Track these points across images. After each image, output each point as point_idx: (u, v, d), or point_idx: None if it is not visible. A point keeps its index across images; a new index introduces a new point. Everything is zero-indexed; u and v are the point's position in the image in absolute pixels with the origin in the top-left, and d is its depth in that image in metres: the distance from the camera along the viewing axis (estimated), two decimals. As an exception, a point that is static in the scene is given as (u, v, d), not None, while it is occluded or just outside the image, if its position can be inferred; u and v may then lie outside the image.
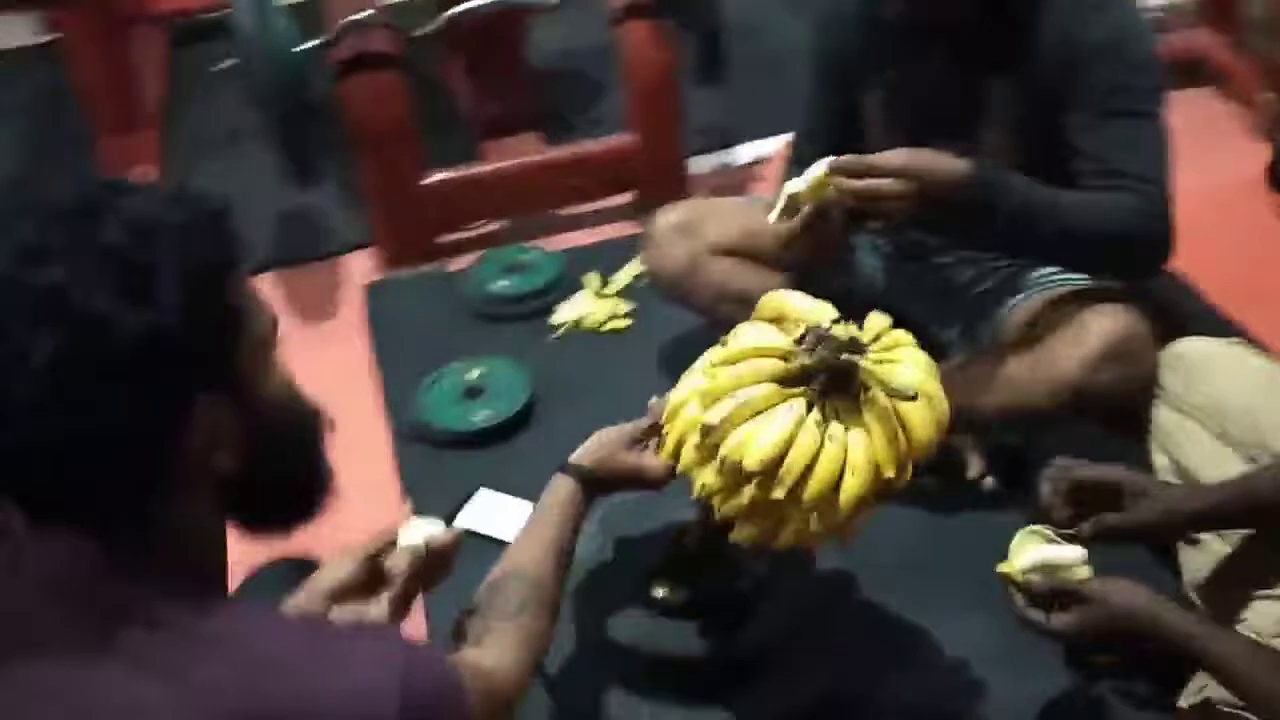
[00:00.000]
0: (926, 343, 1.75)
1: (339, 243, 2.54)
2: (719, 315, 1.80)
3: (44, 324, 0.75)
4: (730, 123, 2.75)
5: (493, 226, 2.53)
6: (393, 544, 1.21)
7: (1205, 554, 1.42)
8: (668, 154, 2.44)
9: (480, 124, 2.63)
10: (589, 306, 2.21)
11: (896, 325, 1.79)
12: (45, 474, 0.78)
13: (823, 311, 1.31)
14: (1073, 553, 1.28)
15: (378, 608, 1.19)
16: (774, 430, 1.22)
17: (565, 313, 2.21)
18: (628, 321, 2.19)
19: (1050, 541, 1.31)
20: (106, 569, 0.80)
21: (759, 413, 1.24)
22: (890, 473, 1.23)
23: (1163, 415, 1.51)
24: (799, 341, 1.26)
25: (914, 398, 1.20)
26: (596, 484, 1.34)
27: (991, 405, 1.65)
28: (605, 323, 2.19)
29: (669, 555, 1.49)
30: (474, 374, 2.03)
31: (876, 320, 1.32)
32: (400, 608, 1.19)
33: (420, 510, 1.83)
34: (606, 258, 2.32)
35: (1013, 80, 1.62)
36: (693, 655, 1.43)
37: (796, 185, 1.53)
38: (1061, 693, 1.48)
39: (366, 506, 1.83)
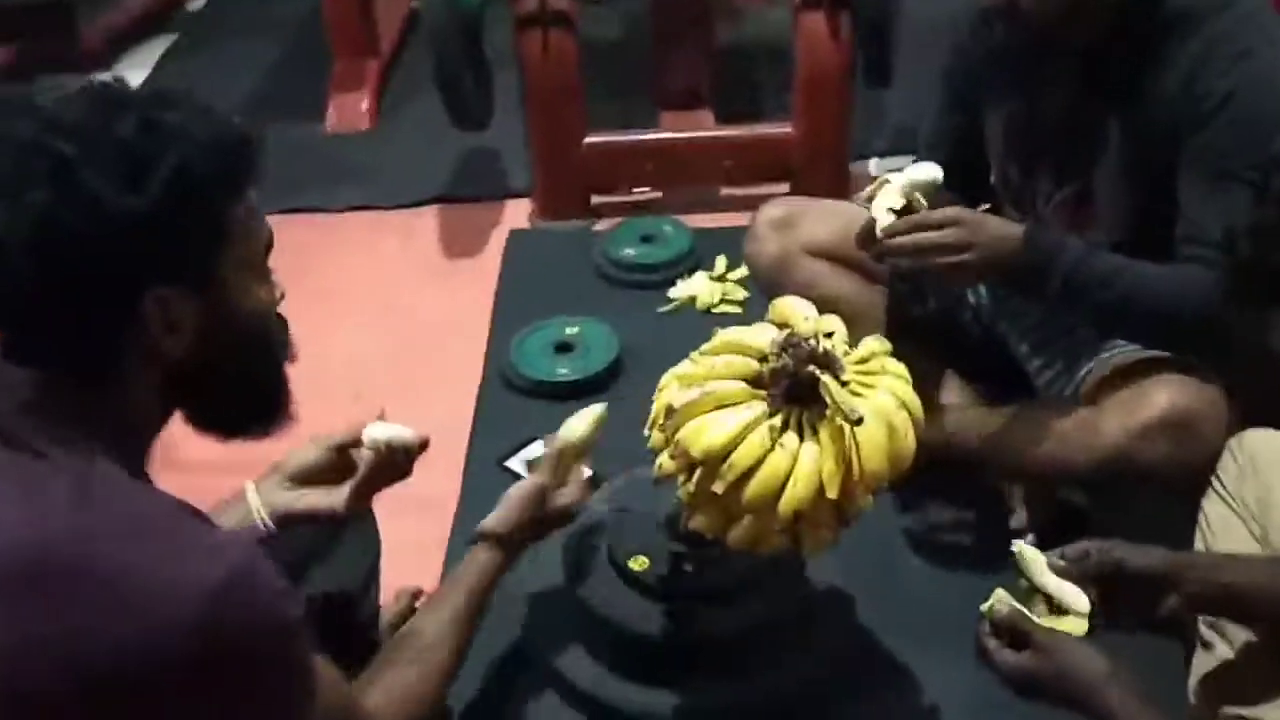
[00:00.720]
0: (1024, 381, 1.73)
1: (506, 188, 2.66)
2: None
3: (47, 184, 0.83)
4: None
5: (651, 194, 2.58)
6: (359, 440, 1.28)
7: (1213, 657, 1.30)
8: (829, 148, 2.40)
9: (660, 94, 2.68)
10: (704, 287, 2.22)
11: (999, 358, 1.79)
12: (21, 307, 0.87)
13: (819, 322, 1.29)
14: (1059, 591, 1.16)
15: (337, 495, 1.27)
16: (726, 425, 1.22)
17: (681, 289, 2.24)
18: (738, 309, 2.19)
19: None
20: (41, 401, 0.88)
21: (723, 406, 1.24)
22: (832, 494, 1.20)
23: (1210, 505, 1.38)
24: (775, 345, 1.24)
25: (858, 422, 1.16)
26: (511, 545, 1.38)
27: (1032, 458, 1.56)
28: (715, 305, 2.20)
29: (658, 536, 1.51)
30: (570, 331, 2.09)
31: (872, 344, 1.29)
32: (356, 500, 1.26)
33: (475, 453, 1.92)
34: (740, 244, 2.32)
35: (1132, 119, 1.50)
36: (647, 631, 1.44)
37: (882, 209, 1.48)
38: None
39: (436, 436, 1.96)
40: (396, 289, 2.38)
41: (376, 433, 1.27)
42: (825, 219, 1.85)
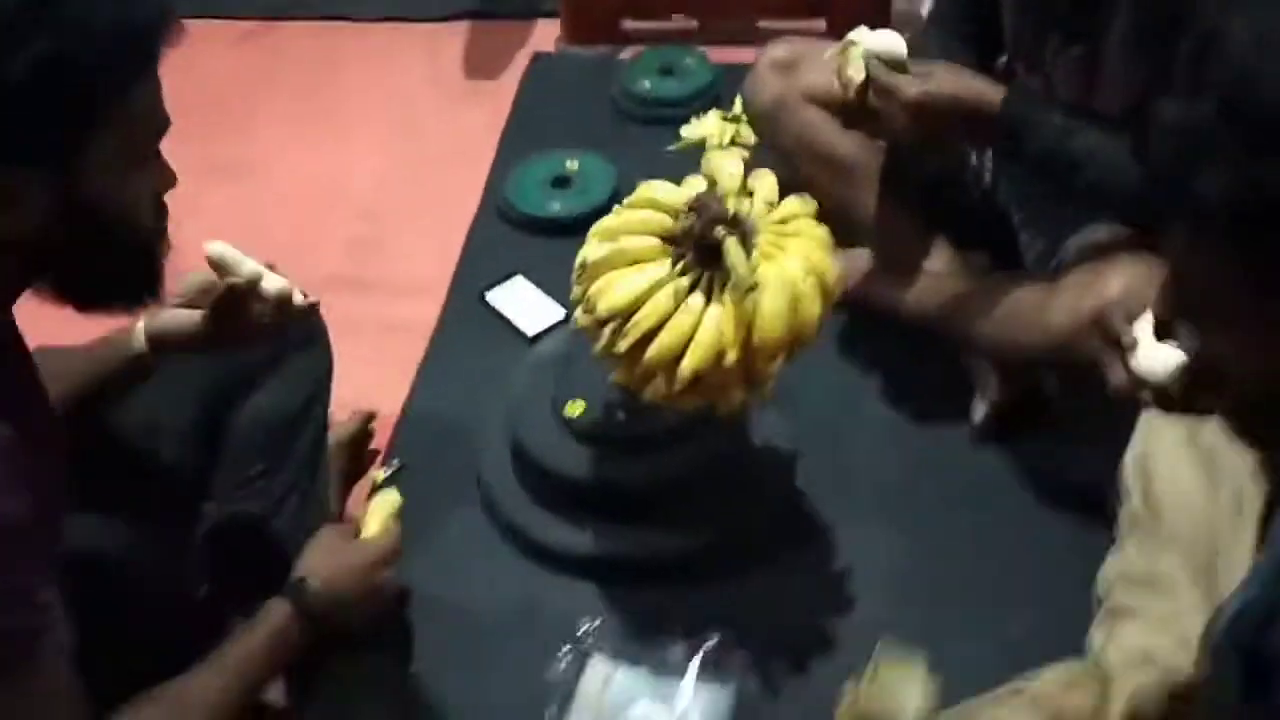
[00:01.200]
0: (1016, 252, 1.66)
1: (538, 7, 2.58)
2: (798, 170, 1.72)
3: None
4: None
5: (686, 23, 2.48)
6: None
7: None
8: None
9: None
10: (715, 127, 2.15)
11: (996, 226, 1.71)
12: None
13: (742, 181, 1.25)
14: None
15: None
16: (632, 284, 1.21)
17: (693, 128, 2.17)
18: (745, 153, 2.11)
19: None
20: None
21: (635, 263, 1.23)
22: (732, 357, 1.18)
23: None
24: (688, 204, 1.21)
25: (750, 290, 1.14)
26: (315, 618, 1.16)
27: (989, 333, 1.50)
28: (724, 146, 2.13)
29: (601, 383, 1.51)
30: (569, 165, 2.06)
31: (792, 204, 1.25)
32: (209, 323, 1.19)
33: (458, 283, 1.93)
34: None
35: None
36: (573, 473, 1.47)
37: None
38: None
39: (425, 263, 1.98)
40: (412, 106, 2.36)
41: (217, 249, 1.16)
42: (827, 64, 1.76)
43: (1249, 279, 0.69)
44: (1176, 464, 1.19)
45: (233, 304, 1.16)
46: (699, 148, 2.15)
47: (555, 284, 1.86)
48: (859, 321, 1.75)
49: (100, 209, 0.92)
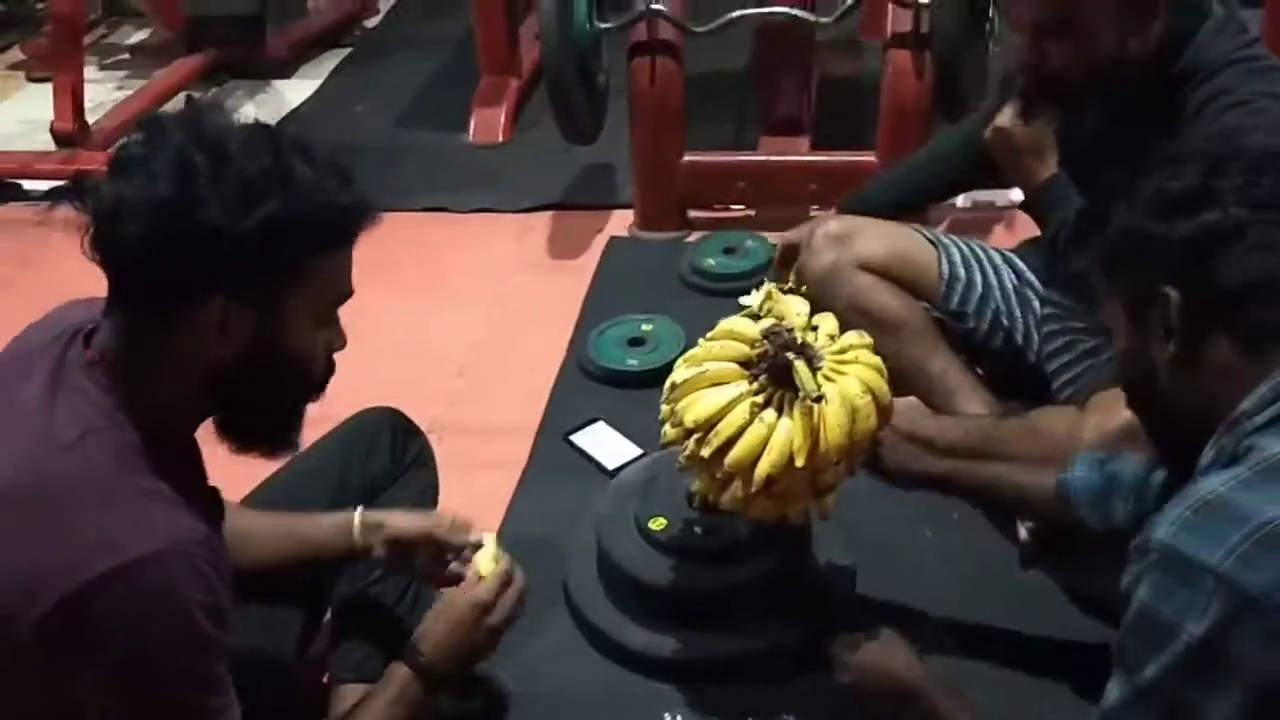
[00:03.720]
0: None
1: (614, 199, 2.91)
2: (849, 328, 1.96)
3: (173, 182, 1.00)
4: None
5: (744, 212, 2.79)
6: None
7: None
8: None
9: (764, 120, 2.89)
10: (771, 296, 2.40)
11: (1034, 381, 1.92)
12: (127, 256, 1.04)
13: (808, 317, 1.48)
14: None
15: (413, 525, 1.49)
16: (714, 399, 1.43)
17: (751, 298, 2.42)
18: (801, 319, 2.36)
19: None
20: (119, 344, 1.08)
21: (716, 384, 1.45)
22: (800, 462, 1.38)
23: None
24: (762, 333, 1.44)
25: (818, 400, 1.35)
26: (435, 675, 1.34)
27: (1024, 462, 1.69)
28: (781, 315, 2.37)
29: (680, 502, 1.71)
30: (644, 328, 2.32)
31: (852, 338, 1.47)
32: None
33: (545, 427, 2.15)
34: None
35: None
36: (657, 582, 1.65)
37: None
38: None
39: (516, 410, 2.21)
40: (504, 282, 2.66)
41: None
42: (880, 236, 2.00)
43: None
44: None
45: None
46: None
47: (632, 428, 2.09)
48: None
49: (286, 353, 1.10)
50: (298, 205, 1.03)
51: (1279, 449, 0.94)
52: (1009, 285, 1.98)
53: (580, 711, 1.63)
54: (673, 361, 2.19)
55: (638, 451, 2.04)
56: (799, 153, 2.76)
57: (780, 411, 1.41)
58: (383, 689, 1.33)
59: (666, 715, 1.58)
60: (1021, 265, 1.98)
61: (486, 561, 1.41)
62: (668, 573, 1.66)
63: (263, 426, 1.18)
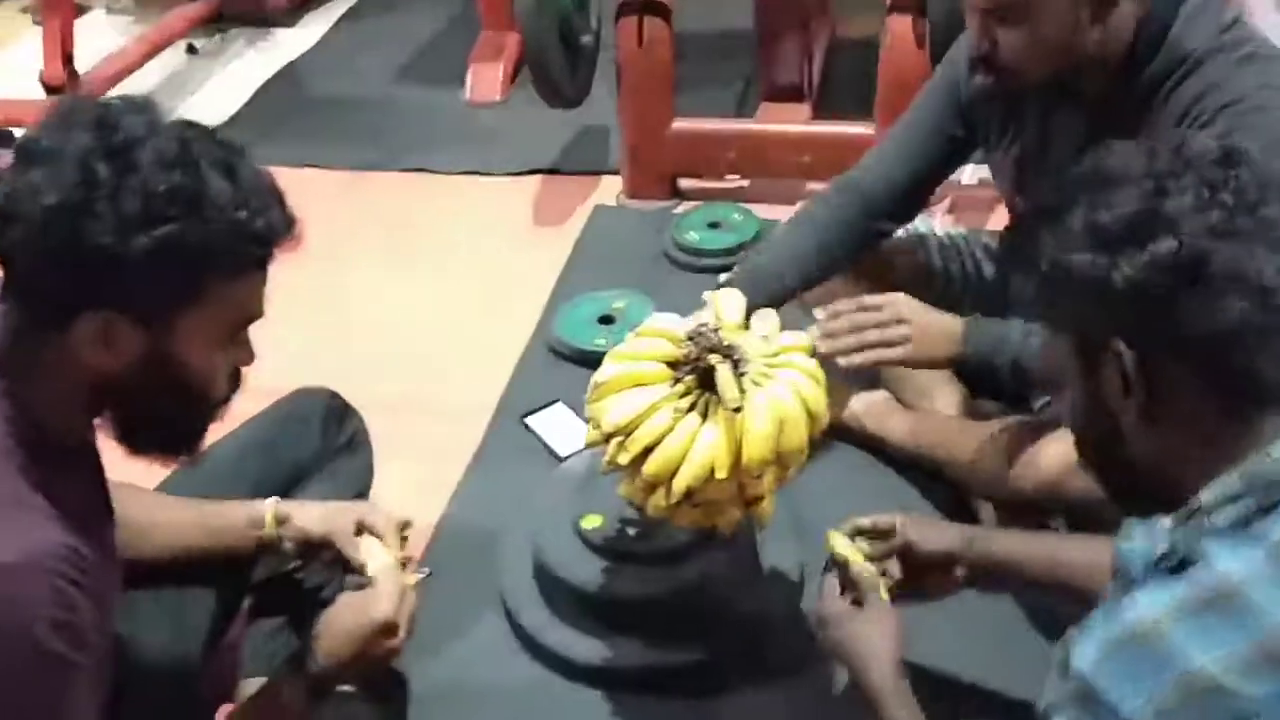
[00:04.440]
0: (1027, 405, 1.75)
1: (607, 165, 2.79)
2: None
3: (71, 189, 0.94)
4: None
5: (738, 182, 2.67)
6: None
7: None
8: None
9: (765, 86, 2.76)
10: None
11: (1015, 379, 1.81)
12: (19, 255, 0.99)
13: (738, 315, 1.38)
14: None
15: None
16: (632, 402, 1.33)
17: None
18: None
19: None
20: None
21: (639, 385, 1.35)
22: (721, 475, 1.29)
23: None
24: (688, 332, 1.34)
25: (736, 411, 1.25)
26: (324, 689, 1.30)
27: (981, 475, 1.59)
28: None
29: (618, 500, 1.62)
30: (615, 305, 2.21)
31: (788, 339, 1.37)
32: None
33: (503, 407, 2.07)
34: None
35: None
36: (585, 584, 1.57)
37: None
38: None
39: (475, 389, 2.13)
40: (483, 250, 2.56)
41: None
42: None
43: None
44: None
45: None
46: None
47: (595, 413, 2.00)
48: (871, 456, 1.85)
49: (180, 371, 1.04)
50: (198, 228, 0.97)
51: (1233, 569, 0.79)
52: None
53: (506, 716, 1.56)
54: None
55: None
56: (798, 121, 2.63)
57: (705, 417, 1.32)
58: (266, 694, 1.29)
59: (591, 727, 1.50)
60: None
61: (382, 566, 1.33)
62: (599, 575, 1.58)
63: (155, 439, 1.12)
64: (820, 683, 1.54)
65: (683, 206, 2.60)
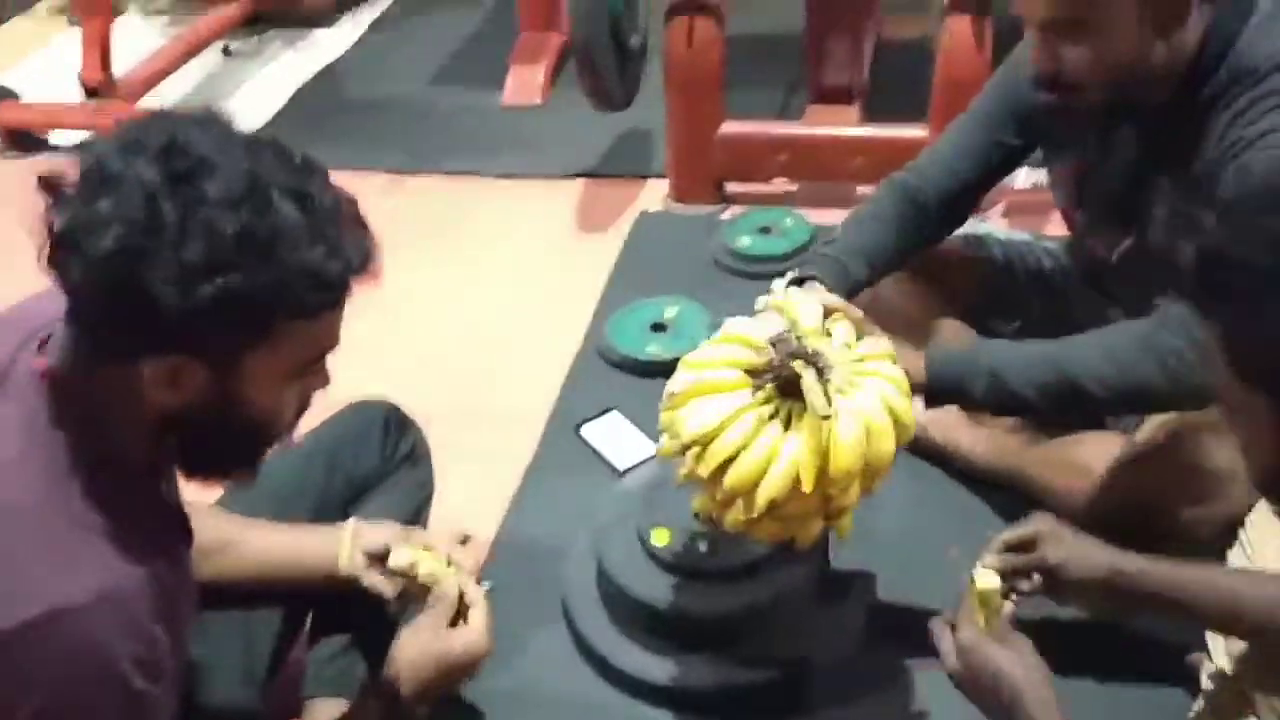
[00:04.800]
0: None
1: (650, 168, 2.75)
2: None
3: (135, 233, 0.88)
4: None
5: (786, 186, 2.62)
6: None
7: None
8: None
9: (813, 88, 2.71)
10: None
11: None
12: (82, 288, 0.93)
13: (819, 320, 1.32)
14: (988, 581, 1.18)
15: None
16: (712, 411, 1.28)
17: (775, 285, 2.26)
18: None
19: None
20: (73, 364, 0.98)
21: (718, 393, 1.30)
22: (807, 486, 1.24)
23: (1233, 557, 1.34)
24: (770, 339, 1.29)
25: (826, 417, 1.20)
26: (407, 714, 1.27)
27: (1059, 491, 1.55)
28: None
29: (684, 514, 1.57)
30: (668, 312, 2.17)
31: (870, 345, 1.32)
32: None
33: (556, 417, 2.03)
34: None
35: (1181, 175, 1.43)
36: (656, 602, 1.52)
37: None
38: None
39: (526, 396, 2.09)
40: (527, 255, 2.53)
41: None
42: None
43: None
44: None
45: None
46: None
47: (649, 421, 1.95)
48: (940, 468, 1.80)
49: (247, 409, 0.99)
50: (267, 273, 0.90)
51: None
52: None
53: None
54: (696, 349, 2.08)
55: (652, 448, 1.90)
56: (847, 124, 2.58)
57: (787, 427, 1.27)
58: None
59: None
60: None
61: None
62: (668, 591, 1.53)
63: (214, 466, 1.08)
64: (896, 700, 1.50)
65: (730, 211, 2.55)
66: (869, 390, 1.26)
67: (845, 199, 2.54)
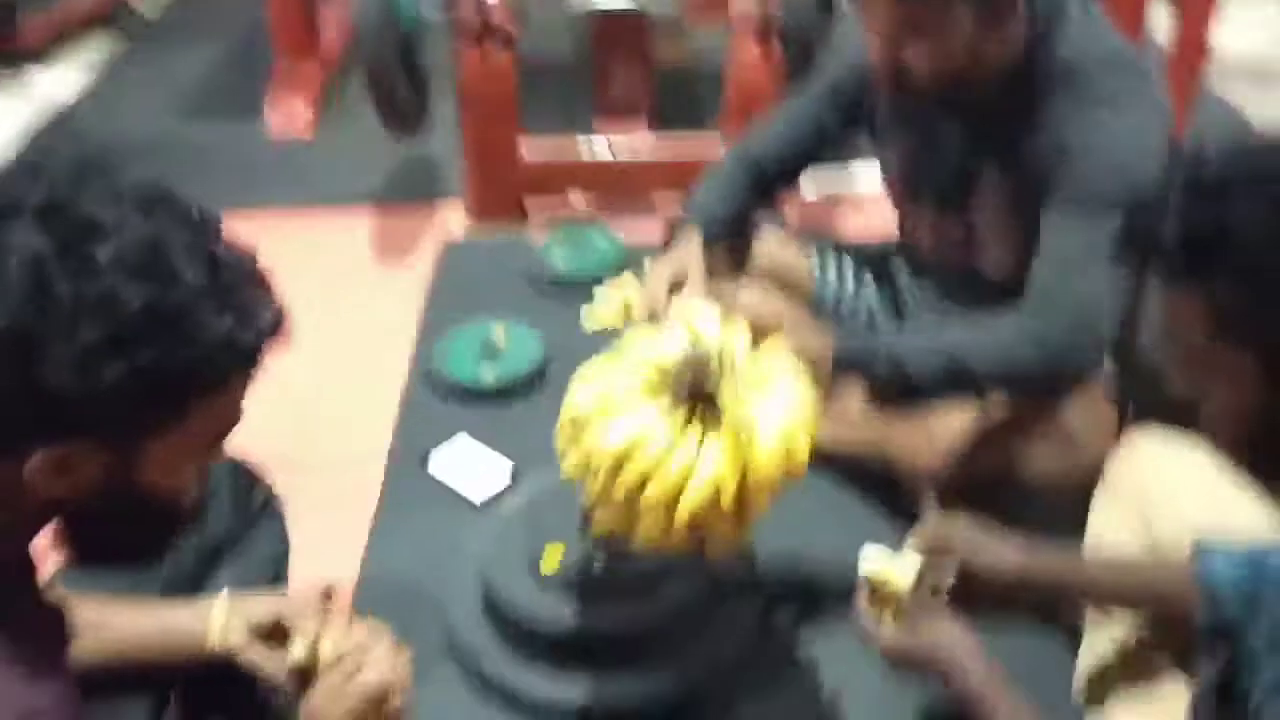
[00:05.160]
0: None
1: (441, 191, 2.70)
2: None
3: (29, 308, 0.77)
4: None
5: (586, 202, 2.64)
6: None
7: (1094, 654, 1.38)
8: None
9: (600, 107, 2.75)
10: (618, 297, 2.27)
11: None
12: None
13: (723, 329, 1.35)
14: (901, 566, 1.25)
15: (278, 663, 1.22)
16: (625, 429, 1.27)
17: (608, 294, 2.28)
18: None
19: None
20: None
21: (625, 410, 1.30)
22: (727, 501, 1.25)
23: (1096, 514, 1.46)
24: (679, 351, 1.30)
25: (744, 431, 1.23)
26: None
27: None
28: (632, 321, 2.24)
29: (571, 533, 1.56)
30: (495, 334, 2.14)
31: (771, 345, 1.35)
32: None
33: (397, 453, 1.95)
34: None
35: (1010, 167, 1.54)
36: (553, 625, 1.50)
37: None
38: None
39: (362, 435, 2.00)
40: (328, 288, 2.41)
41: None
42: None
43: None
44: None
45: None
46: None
47: (503, 444, 1.94)
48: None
49: (148, 491, 0.89)
50: (176, 350, 0.80)
51: None
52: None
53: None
54: (534, 369, 2.07)
55: (505, 468, 1.88)
56: (639, 137, 2.63)
57: (701, 441, 1.28)
58: None
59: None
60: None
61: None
62: (569, 614, 1.51)
63: (112, 555, 0.97)
64: (806, 698, 1.54)
65: (534, 232, 2.54)
66: (779, 396, 1.29)
67: (641, 209, 2.60)
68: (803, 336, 1.45)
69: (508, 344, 2.13)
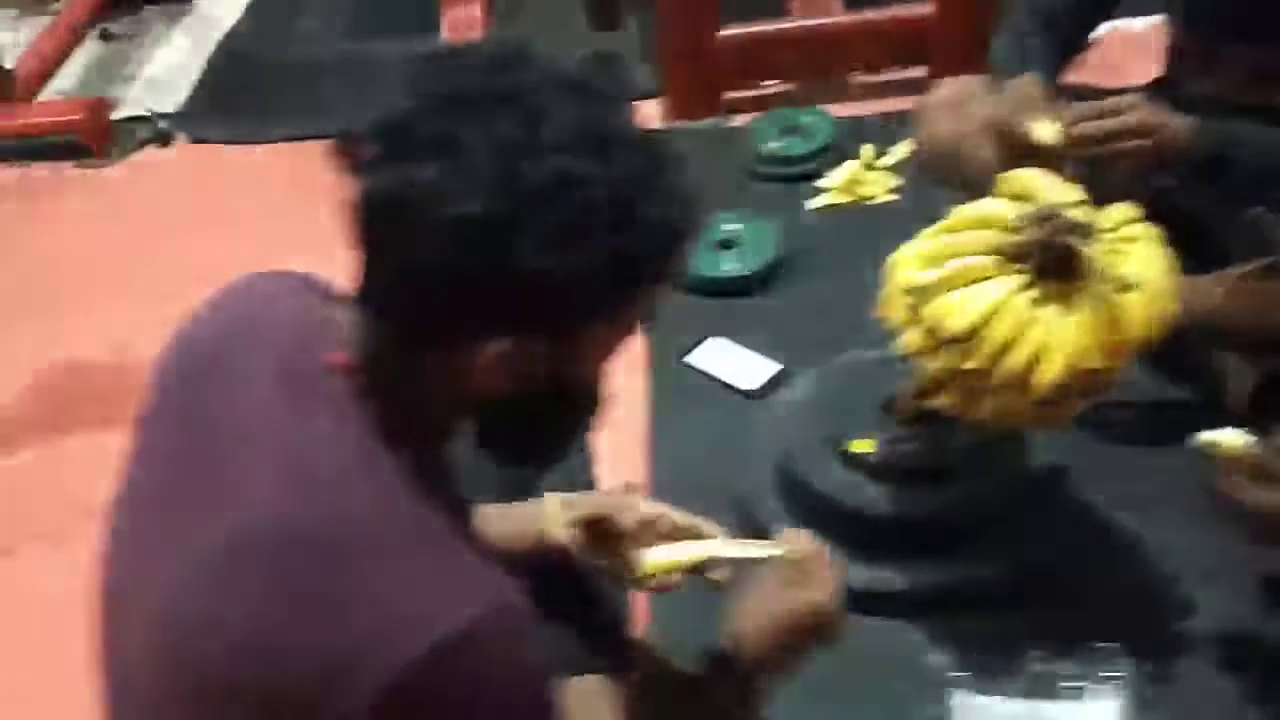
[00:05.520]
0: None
1: (634, 90, 2.62)
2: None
3: (483, 191, 0.76)
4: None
5: (784, 86, 2.55)
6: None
7: None
8: (965, 29, 2.34)
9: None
10: (856, 177, 2.20)
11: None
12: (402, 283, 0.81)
13: (1066, 192, 1.27)
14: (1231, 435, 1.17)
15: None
16: (978, 300, 1.22)
17: (832, 179, 2.21)
18: (893, 196, 2.17)
19: None
20: (381, 357, 0.85)
21: (972, 281, 1.24)
22: (1094, 364, 1.20)
23: None
24: (1028, 217, 1.23)
25: (1131, 288, 1.16)
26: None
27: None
28: (869, 195, 2.18)
29: (875, 417, 1.52)
30: (729, 227, 2.08)
31: (1121, 211, 1.27)
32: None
33: (656, 351, 1.92)
34: (886, 130, 2.29)
35: None
36: (870, 510, 1.47)
37: (1045, 134, 1.46)
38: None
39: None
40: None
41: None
42: (1000, 100, 1.80)
43: None
44: None
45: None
46: (841, 197, 2.19)
47: (750, 339, 1.90)
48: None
49: (575, 387, 0.88)
50: (635, 238, 0.79)
51: None
52: None
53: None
54: (772, 261, 2.01)
55: (771, 365, 1.85)
56: (835, 13, 2.51)
57: (1057, 308, 1.22)
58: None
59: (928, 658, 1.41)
60: None
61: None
62: (887, 500, 1.48)
63: (520, 450, 0.95)
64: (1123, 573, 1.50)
65: (744, 118, 2.46)
66: (1138, 255, 1.23)
67: (845, 92, 2.50)
68: (1166, 116, 1.40)
69: (744, 236, 2.07)
